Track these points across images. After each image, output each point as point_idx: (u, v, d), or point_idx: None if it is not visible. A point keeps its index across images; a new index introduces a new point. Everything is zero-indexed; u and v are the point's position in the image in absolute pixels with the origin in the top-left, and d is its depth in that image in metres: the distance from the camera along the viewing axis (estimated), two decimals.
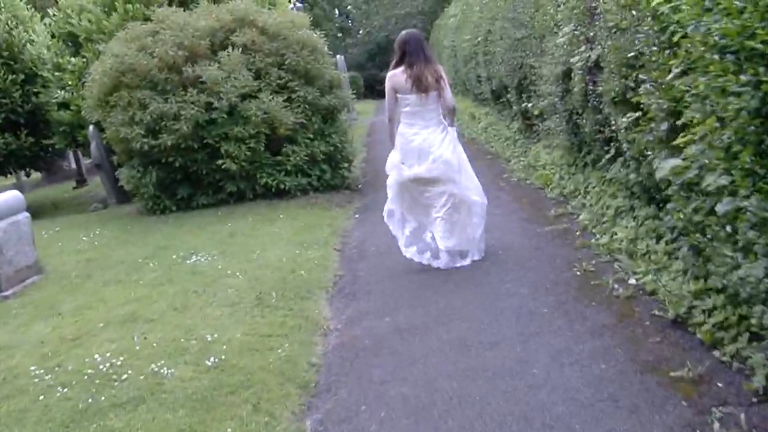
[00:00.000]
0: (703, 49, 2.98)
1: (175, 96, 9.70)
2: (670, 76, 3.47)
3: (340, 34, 46.85)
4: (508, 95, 11.57)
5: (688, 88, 3.43)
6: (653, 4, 3.40)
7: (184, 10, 10.80)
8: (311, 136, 10.20)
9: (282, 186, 9.91)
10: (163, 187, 10.19)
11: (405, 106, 6.12)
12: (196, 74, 9.73)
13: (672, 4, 3.29)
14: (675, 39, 3.49)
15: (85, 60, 12.31)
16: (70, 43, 13.16)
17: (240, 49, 9.97)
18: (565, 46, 7.08)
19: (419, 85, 5.96)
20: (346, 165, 10.82)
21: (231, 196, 10.11)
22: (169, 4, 11.58)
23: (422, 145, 6.05)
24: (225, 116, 9.65)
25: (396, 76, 6.07)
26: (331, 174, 10.38)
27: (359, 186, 10.99)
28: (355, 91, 27.38)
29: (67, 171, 21.74)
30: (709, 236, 3.82)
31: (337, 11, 48.74)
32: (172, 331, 5.23)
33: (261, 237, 8.01)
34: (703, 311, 4.12)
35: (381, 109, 24.20)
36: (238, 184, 9.99)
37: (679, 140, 3.62)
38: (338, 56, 22.51)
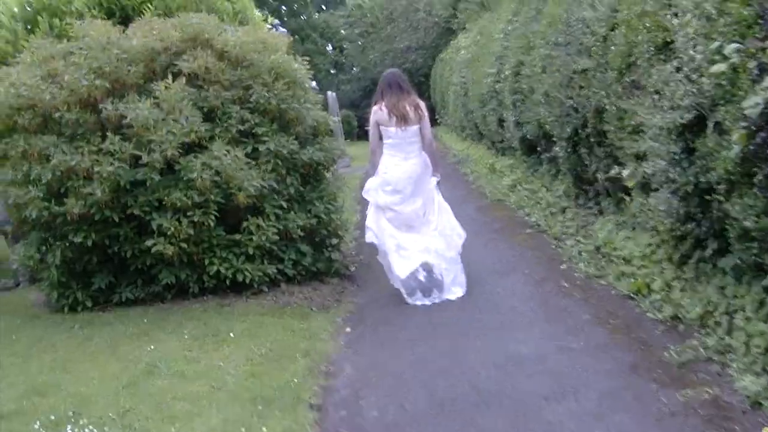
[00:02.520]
0: None
1: (89, 144, 6.68)
2: None
3: (333, 71, 43.99)
4: (555, 147, 8.55)
5: None
6: None
7: (119, 25, 7.79)
8: (285, 204, 7.07)
9: (241, 277, 6.80)
10: (74, 273, 7.05)
11: (387, 139, 6.58)
12: (119, 113, 6.71)
13: None
14: None
15: None
16: None
17: (185, 79, 6.98)
18: (708, 80, 4.12)
19: (397, 114, 6.43)
20: (334, 242, 7.72)
21: (168, 289, 6.98)
22: (108, 19, 8.61)
23: (401, 176, 6.53)
24: (158, 176, 6.60)
25: (377, 111, 6.56)
26: (312, 257, 7.22)
27: (352, 269, 7.90)
28: (348, 133, 24.45)
29: None
30: None
31: (330, 46, 45.83)
32: None
33: (194, 380, 4.90)
34: None
35: None
36: (178, 274, 6.84)
37: None
38: (329, 93, 19.70)
